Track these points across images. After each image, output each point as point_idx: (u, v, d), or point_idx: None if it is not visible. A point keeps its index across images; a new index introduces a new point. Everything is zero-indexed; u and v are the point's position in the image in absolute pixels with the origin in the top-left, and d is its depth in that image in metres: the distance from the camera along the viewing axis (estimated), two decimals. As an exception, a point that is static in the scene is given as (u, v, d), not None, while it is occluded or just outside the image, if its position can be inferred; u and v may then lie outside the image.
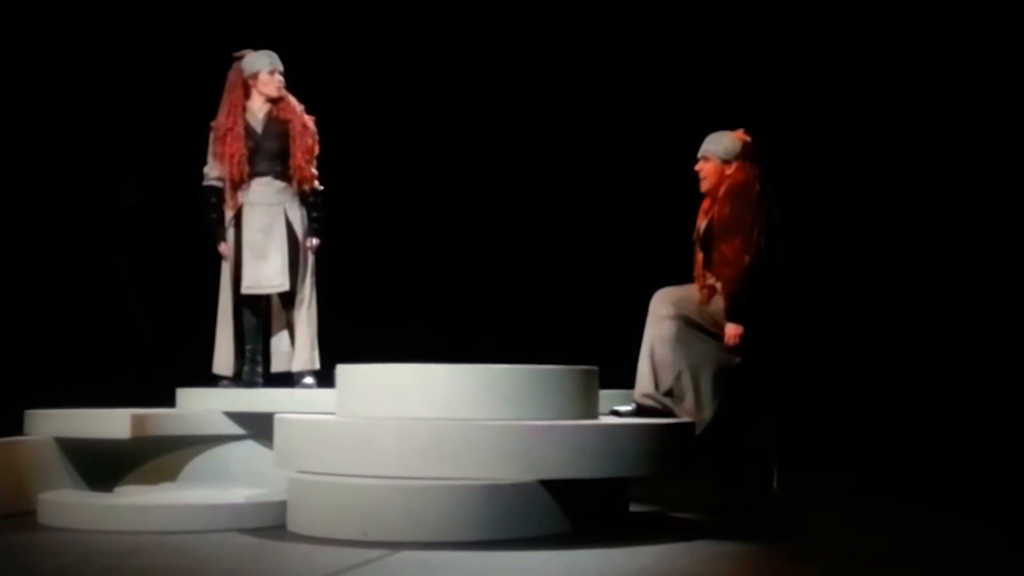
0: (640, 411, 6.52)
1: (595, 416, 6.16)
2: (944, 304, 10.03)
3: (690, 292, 6.73)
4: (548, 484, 5.66)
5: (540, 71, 10.64)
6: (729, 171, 6.74)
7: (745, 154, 6.77)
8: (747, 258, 6.54)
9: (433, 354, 6.41)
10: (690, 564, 5.17)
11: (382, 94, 10.84)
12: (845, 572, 5.04)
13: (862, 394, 9.98)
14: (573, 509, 5.73)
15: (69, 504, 6.11)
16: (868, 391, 9.97)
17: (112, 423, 6.40)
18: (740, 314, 6.52)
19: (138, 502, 6.10)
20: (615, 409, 6.55)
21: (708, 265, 6.72)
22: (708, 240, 6.72)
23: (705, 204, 6.85)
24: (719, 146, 6.78)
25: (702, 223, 6.82)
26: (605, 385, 6.45)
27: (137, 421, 6.41)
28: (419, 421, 5.73)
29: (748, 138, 6.81)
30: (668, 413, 6.51)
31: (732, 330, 6.54)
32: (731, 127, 6.86)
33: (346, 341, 7.33)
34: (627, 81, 10.50)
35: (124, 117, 11.09)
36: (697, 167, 6.82)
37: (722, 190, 6.71)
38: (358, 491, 5.62)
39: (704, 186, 6.80)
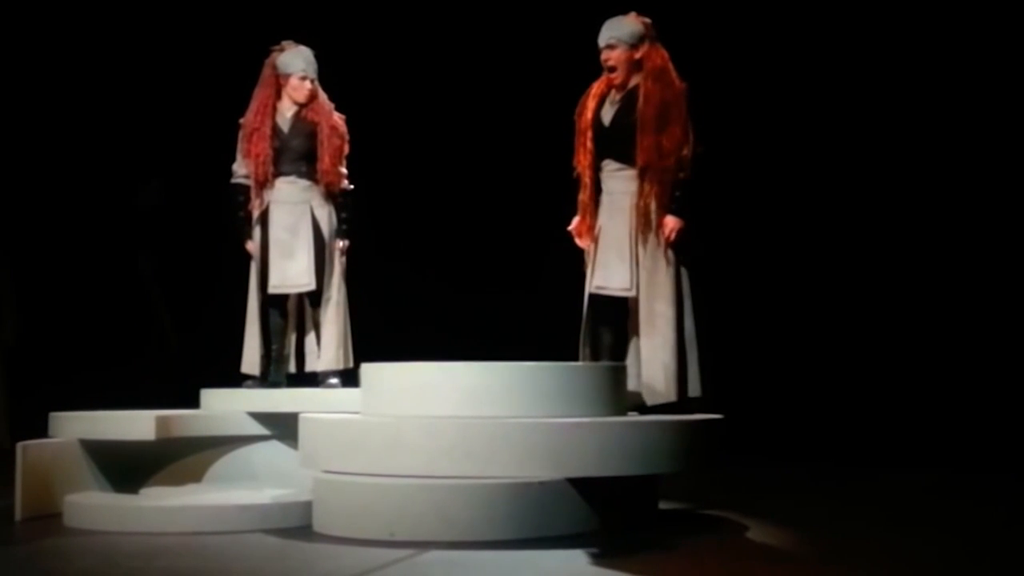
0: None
1: (623, 413, 6.11)
2: (979, 300, 9.96)
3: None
4: (576, 482, 5.61)
5: (562, 69, 10.59)
6: (639, 55, 6.30)
7: (651, 36, 6.34)
8: (686, 150, 6.21)
9: (459, 351, 6.36)
10: (720, 563, 5.11)
11: (412, 89, 10.83)
12: (883, 571, 4.96)
13: (887, 390, 9.92)
14: (602, 507, 5.67)
15: (95, 506, 6.09)
16: (892, 386, 9.92)
17: (137, 425, 6.38)
18: (683, 207, 6.18)
19: (164, 504, 6.08)
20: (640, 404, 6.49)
21: (618, 156, 6.30)
22: (621, 131, 6.29)
23: (599, 88, 6.40)
24: (624, 31, 6.30)
25: (600, 108, 6.36)
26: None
27: (162, 423, 6.38)
28: (445, 419, 5.69)
29: (647, 19, 6.37)
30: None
31: (673, 223, 6.21)
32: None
33: (371, 339, 7.30)
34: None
35: (146, 118, 11.12)
36: (604, 56, 6.34)
37: (644, 77, 6.26)
38: (384, 491, 5.57)
39: (618, 78, 6.32)
